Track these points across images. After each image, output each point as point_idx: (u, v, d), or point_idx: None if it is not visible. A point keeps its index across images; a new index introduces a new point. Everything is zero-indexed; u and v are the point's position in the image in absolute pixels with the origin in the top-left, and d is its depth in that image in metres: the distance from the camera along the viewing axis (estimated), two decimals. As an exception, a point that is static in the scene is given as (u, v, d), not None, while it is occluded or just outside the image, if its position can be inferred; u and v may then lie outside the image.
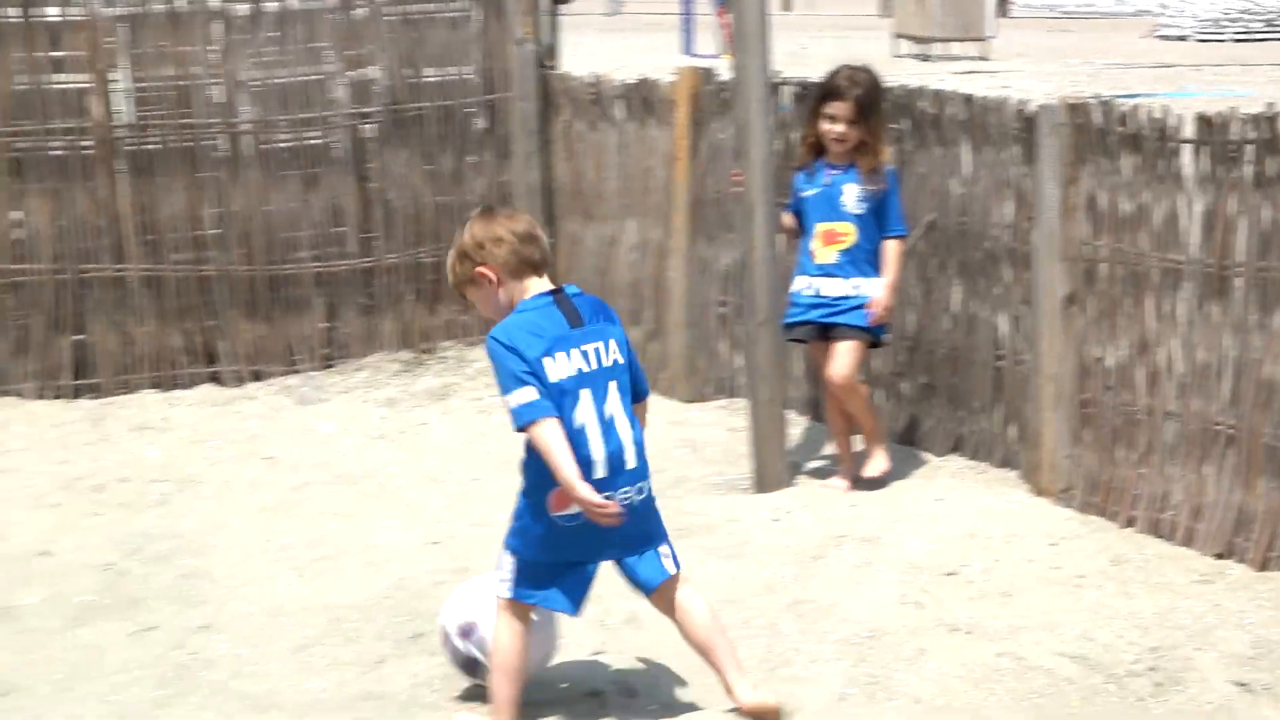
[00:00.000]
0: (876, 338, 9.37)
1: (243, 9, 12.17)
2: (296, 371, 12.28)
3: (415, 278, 12.63)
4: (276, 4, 12.24)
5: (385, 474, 9.98)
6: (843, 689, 6.79)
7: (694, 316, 11.36)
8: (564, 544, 6.39)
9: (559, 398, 6.20)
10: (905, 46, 49.99)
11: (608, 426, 6.29)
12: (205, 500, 9.58)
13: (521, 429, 6.21)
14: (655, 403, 10.97)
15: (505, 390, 6.24)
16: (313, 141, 12.40)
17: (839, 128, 9.23)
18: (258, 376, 12.21)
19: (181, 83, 12.07)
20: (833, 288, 9.28)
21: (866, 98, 9.21)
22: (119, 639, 7.63)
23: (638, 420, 6.48)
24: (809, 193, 9.42)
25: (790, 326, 9.44)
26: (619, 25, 56.53)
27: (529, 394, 6.16)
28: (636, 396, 6.52)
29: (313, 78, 12.39)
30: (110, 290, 11.97)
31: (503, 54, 12.66)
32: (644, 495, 6.45)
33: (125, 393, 11.89)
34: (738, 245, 10.18)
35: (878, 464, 9.41)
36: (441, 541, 8.72)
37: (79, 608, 8.01)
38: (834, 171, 9.30)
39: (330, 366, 12.36)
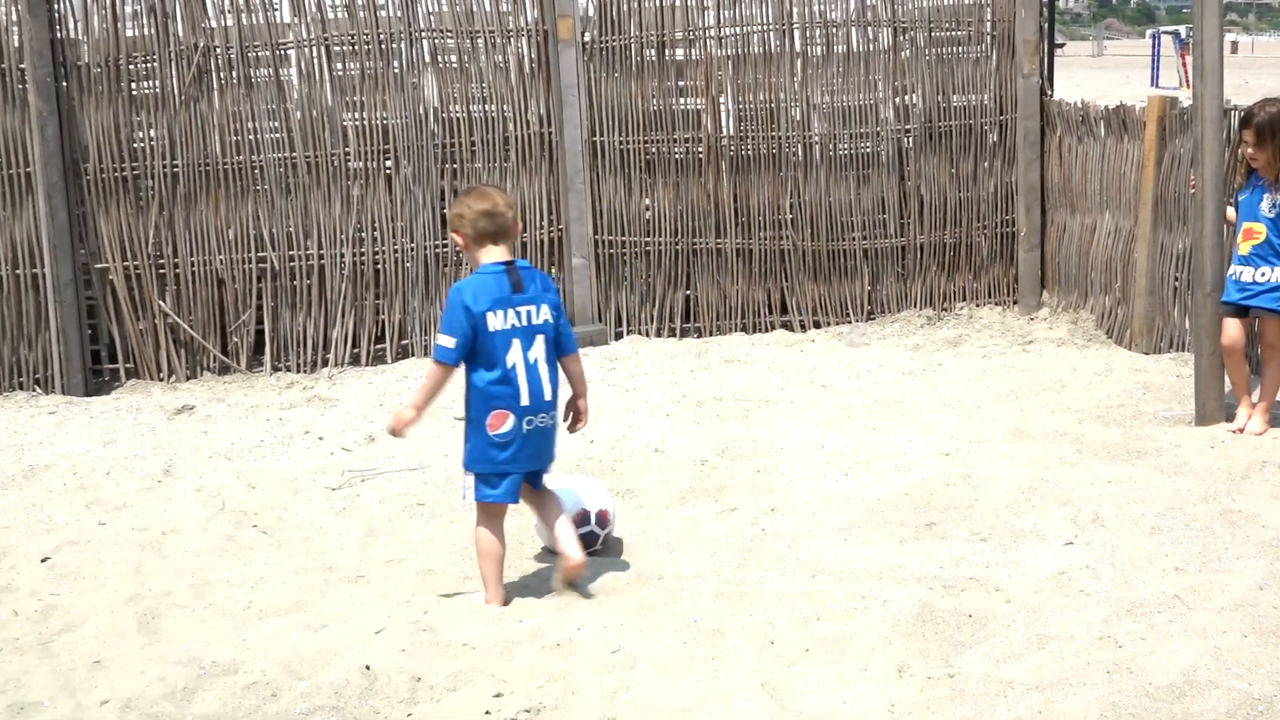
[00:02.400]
0: None
1: (818, 50, 12.20)
2: (847, 322, 12.31)
3: (939, 253, 12.53)
4: (843, 47, 12.24)
5: (910, 400, 9.86)
6: (1262, 580, 6.48)
7: (1154, 287, 11.02)
8: (498, 455, 6.46)
9: (495, 342, 6.40)
10: (1330, 82, 47.69)
11: (531, 368, 6.46)
12: (776, 416, 9.58)
13: (434, 360, 6.46)
14: (1120, 354, 10.82)
15: (440, 329, 6.45)
16: (866, 150, 12.36)
17: (1249, 150, 8.87)
18: (818, 325, 12.27)
19: (770, 105, 12.15)
20: (1246, 275, 8.91)
21: (1267, 125, 8.80)
22: (710, 515, 7.70)
23: (558, 367, 6.62)
24: (1240, 198, 9.07)
25: (1222, 303, 9.11)
26: (1101, 64, 55.31)
27: (448, 341, 6.39)
28: (563, 351, 6.63)
29: (868, 102, 12.34)
30: (712, 258, 12.13)
31: (1012, 84, 12.48)
32: (552, 422, 6.62)
33: (720, 334, 12.07)
34: (1190, 233, 9.84)
35: (1256, 424, 8.96)
36: (951, 453, 8.58)
37: (682, 491, 8.10)
38: (1257, 183, 8.93)
39: (871, 319, 12.36)
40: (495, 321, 6.41)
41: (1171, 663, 5.69)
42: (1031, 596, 6.41)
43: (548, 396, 6.53)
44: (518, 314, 6.46)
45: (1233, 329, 8.98)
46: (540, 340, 6.51)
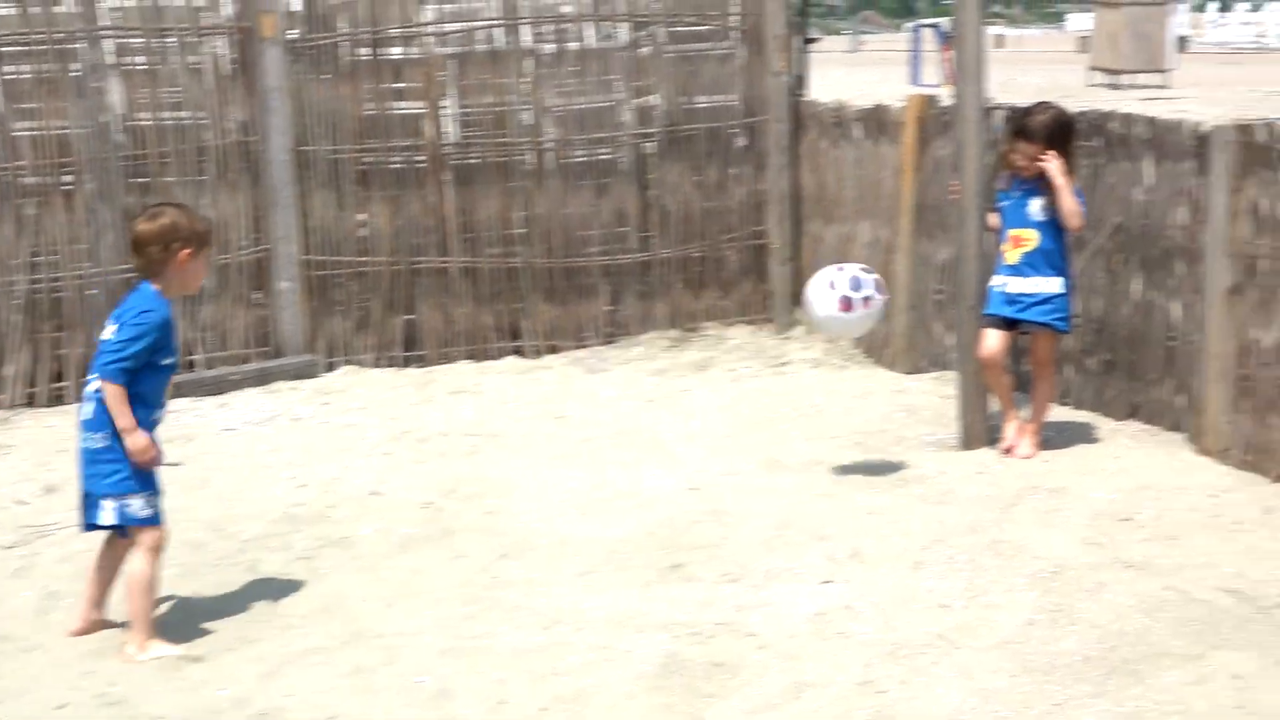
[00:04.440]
0: (1060, 330, 9.20)
1: (549, 48, 12.23)
2: (585, 346, 12.33)
3: (684, 269, 12.64)
4: (577, 44, 12.29)
5: (655, 430, 9.94)
6: (1032, 615, 6.66)
7: (915, 301, 11.27)
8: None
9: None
10: (1098, 77, 49.23)
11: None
12: (508, 451, 9.59)
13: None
14: (881, 374, 11.03)
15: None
16: (603, 157, 12.43)
17: (1024, 160, 9.11)
18: (553, 350, 12.26)
19: (498, 108, 12.13)
20: (1014, 285, 9.14)
21: (1049, 135, 9.05)
22: (435, 563, 7.66)
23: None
24: (1004, 204, 9.30)
25: (985, 315, 9.32)
26: (859, 60, 56.28)
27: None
28: None
29: (605, 104, 12.41)
30: (436, 278, 12.06)
31: (761, 84, 12.64)
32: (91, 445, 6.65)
33: (446, 362, 11.99)
34: (952, 243, 10.08)
35: (1024, 447, 9.20)
36: (699, 488, 8.67)
37: (404, 538, 8.05)
38: (1024, 188, 9.16)
39: (612, 342, 12.40)
40: None
41: (937, 707, 5.81)
42: (787, 641, 6.49)
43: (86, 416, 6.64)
44: None
45: (994, 341, 9.19)
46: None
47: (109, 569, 6.84)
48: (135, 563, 6.66)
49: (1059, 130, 9.09)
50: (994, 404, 9.40)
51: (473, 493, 8.74)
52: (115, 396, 6.47)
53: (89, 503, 6.67)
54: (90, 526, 6.73)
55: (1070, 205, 8.96)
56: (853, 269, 8.78)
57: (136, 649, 6.57)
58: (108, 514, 6.61)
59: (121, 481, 6.57)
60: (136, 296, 6.61)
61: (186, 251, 6.60)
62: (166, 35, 11.38)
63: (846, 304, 8.56)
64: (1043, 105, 9.33)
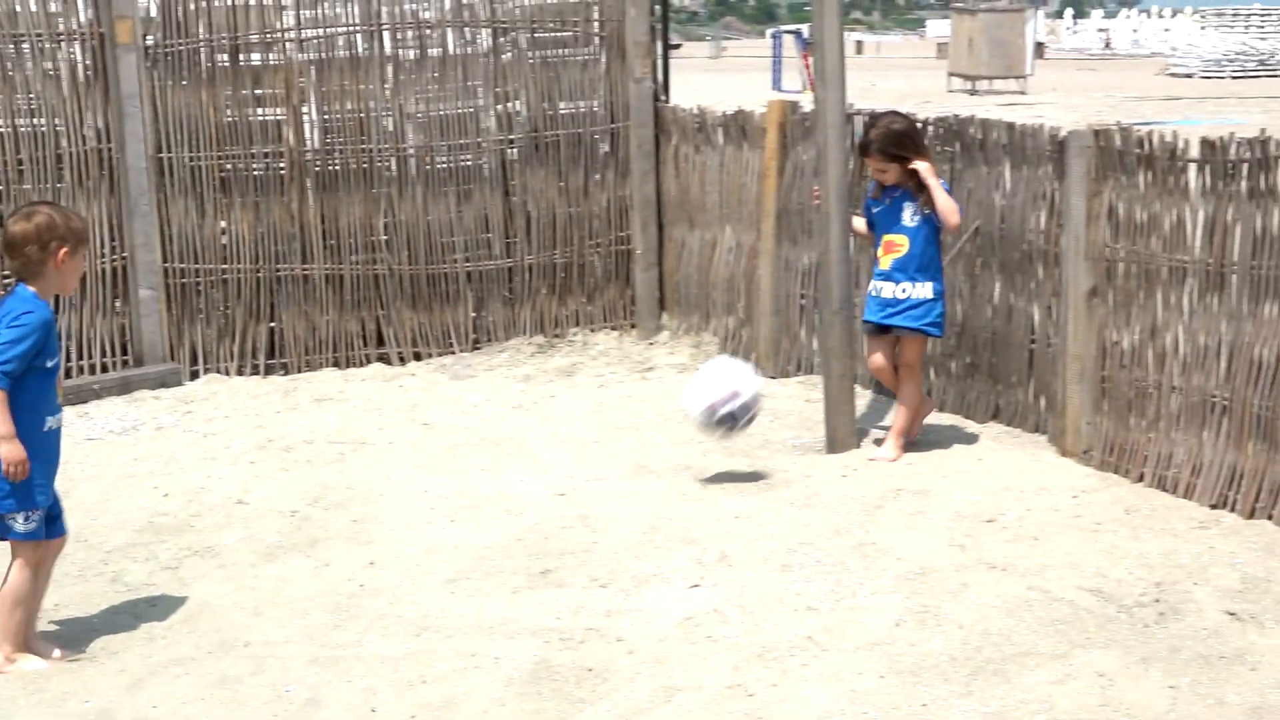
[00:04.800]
0: (930, 335, 9.29)
1: (411, 54, 12.18)
2: (450, 353, 12.30)
3: (549, 275, 12.63)
4: (438, 50, 12.26)
5: (522, 437, 9.93)
6: (899, 616, 6.73)
7: (779, 306, 11.33)
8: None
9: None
10: (957, 83, 49.80)
11: None
12: (374, 458, 9.55)
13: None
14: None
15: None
16: (466, 163, 12.38)
17: (876, 175, 9.23)
18: (418, 357, 12.22)
19: (359, 115, 12.07)
20: (887, 291, 9.22)
21: (886, 147, 9.12)
22: (302, 572, 7.62)
23: None
24: (875, 209, 9.37)
25: (864, 322, 9.42)
26: (721, 66, 56.62)
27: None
28: None
29: (467, 110, 12.37)
30: (299, 286, 11.98)
31: (624, 90, 12.65)
32: None
33: (310, 370, 11.93)
34: (816, 248, 10.16)
35: (888, 450, 9.29)
36: (567, 493, 8.68)
37: (270, 547, 8.00)
38: (894, 194, 9.24)
39: (478, 349, 12.38)
40: None
41: (806, 709, 5.86)
42: (656, 645, 6.52)
43: None
44: None
45: (876, 350, 9.29)
46: None
47: None
48: (11, 576, 6.53)
49: (894, 140, 9.16)
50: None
51: (339, 501, 8.70)
52: None
53: None
54: None
55: (945, 203, 9.04)
56: (733, 407, 8.87)
57: (3, 662, 6.48)
58: None
59: (3, 498, 6.42)
60: (13, 300, 6.45)
61: (64, 250, 6.46)
62: (20, 40, 11.24)
63: (726, 421, 8.70)
64: (876, 119, 9.39)
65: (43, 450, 6.46)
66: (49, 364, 6.44)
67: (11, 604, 6.50)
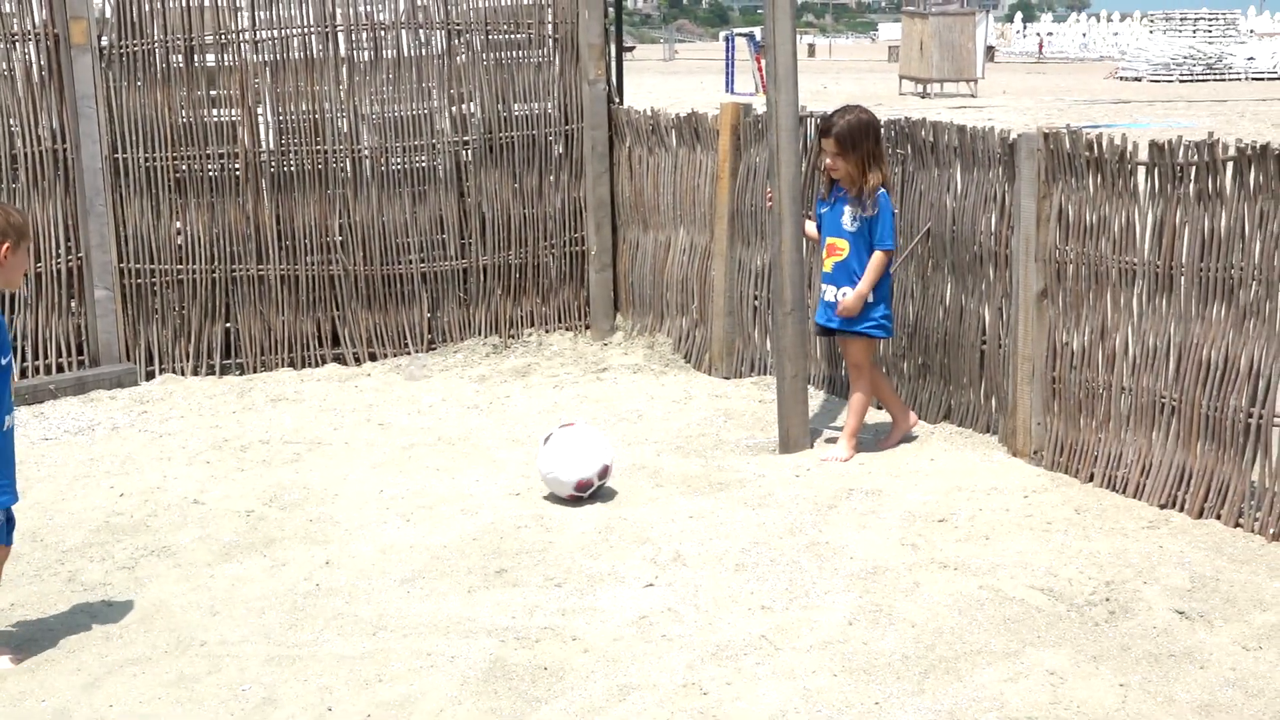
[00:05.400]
0: (872, 336, 9.32)
1: (365, 56, 12.17)
2: (406, 353, 12.30)
3: (504, 276, 12.63)
4: (392, 52, 12.24)
5: (477, 437, 9.93)
6: (852, 615, 6.75)
7: (732, 307, 11.36)
8: None
9: None
10: (908, 86, 49.91)
11: None
12: (329, 459, 9.54)
13: None
14: (700, 379, 11.12)
15: None
16: (421, 164, 12.38)
17: (828, 160, 9.22)
18: (373, 357, 12.21)
19: (314, 116, 12.05)
20: (830, 294, 9.28)
21: (848, 133, 9.15)
22: (258, 572, 7.61)
23: None
24: (822, 211, 9.42)
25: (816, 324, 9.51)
26: (674, 68, 56.65)
27: None
28: None
29: (422, 112, 12.36)
30: (254, 286, 11.96)
31: (578, 92, 12.65)
32: None
33: (266, 370, 11.92)
34: (769, 249, 10.18)
35: (840, 449, 9.32)
36: (521, 493, 8.69)
37: (226, 546, 7.98)
38: (838, 195, 9.28)
39: (433, 349, 12.38)
40: None
41: (760, 707, 5.88)
42: (611, 644, 6.53)
43: None
44: None
45: (833, 351, 9.34)
46: None
47: None
48: None
49: (860, 130, 9.19)
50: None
51: (295, 500, 8.69)
52: None
53: None
54: None
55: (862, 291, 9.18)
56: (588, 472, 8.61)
57: None
58: None
59: None
60: None
61: (6, 245, 6.39)
62: (-24, 41, 11.20)
63: (592, 491, 8.59)
64: (847, 108, 9.42)
65: (1, 451, 6.41)
66: (1, 361, 6.38)
67: None
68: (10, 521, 6.53)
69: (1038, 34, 78.78)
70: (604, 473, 8.53)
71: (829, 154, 9.22)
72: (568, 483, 8.43)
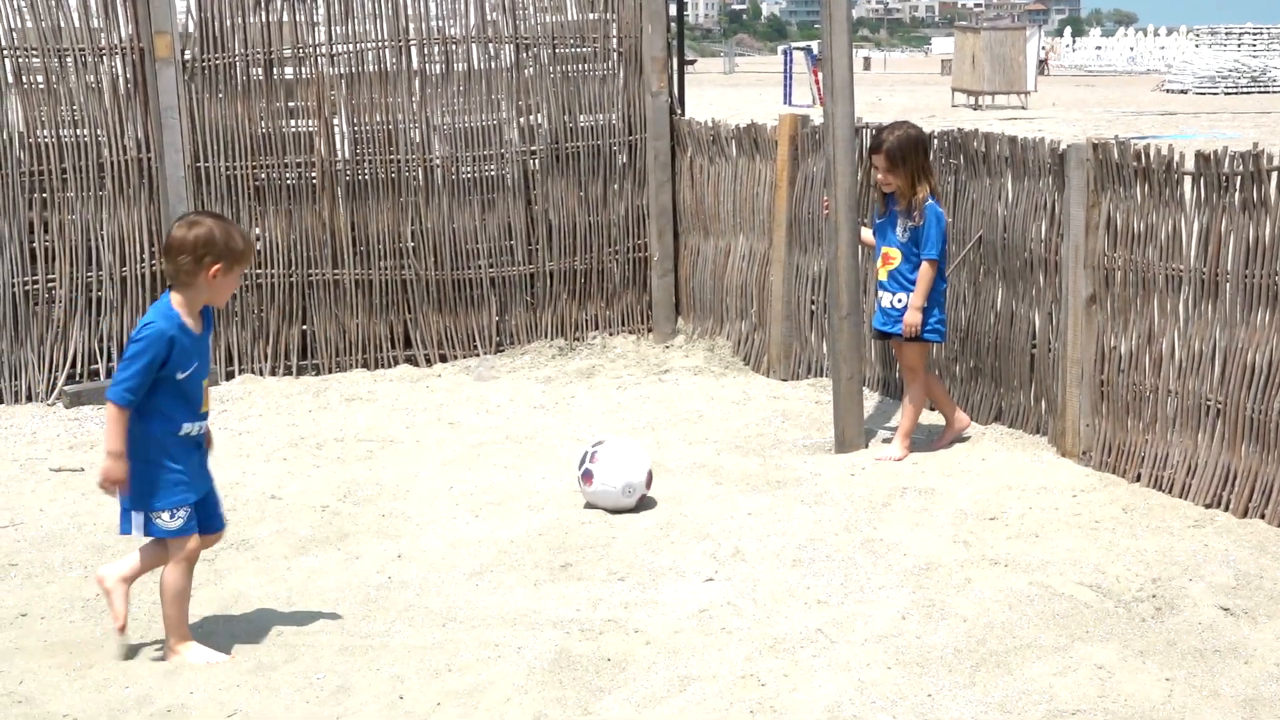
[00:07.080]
0: (926, 340, 9.30)
1: (437, 69, 12.20)
2: (475, 355, 12.32)
3: (569, 281, 12.65)
4: (463, 65, 12.27)
5: (543, 436, 9.94)
6: (905, 610, 6.72)
7: (790, 311, 11.34)
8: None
9: None
10: (960, 98, 49.72)
11: None
12: (401, 456, 9.57)
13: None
14: (758, 381, 11.10)
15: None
16: (490, 173, 12.40)
17: (880, 175, 9.20)
18: (444, 359, 12.25)
19: (388, 126, 12.09)
20: (885, 300, 9.27)
21: (898, 149, 9.14)
22: (332, 565, 7.63)
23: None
24: (878, 222, 9.41)
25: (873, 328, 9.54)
26: (734, 81, 56.61)
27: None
28: None
29: (491, 122, 12.39)
30: (329, 290, 12.01)
31: (641, 103, 12.67)
32: None
33: (340, 371, 11.96)
34: (825, 255, 10.16)
35: (894, 449, 9.30)
36: (587, 490, 8.70)
37: (302, 540, 8.01)
38: (892, 208, 9.27)
39: (501, 351, 12.40)
40: None
41: (815, 699, 5.85)
42: (672, 637, 6.52)
43: None
44: None
45: (893, 353, 9.32)
46: None
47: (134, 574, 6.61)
48: (166, 573, 6.47)
49: (909, 145, 9.18)
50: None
51: (368, 496, 8.71)
52: (110, 417, 6.22)
53: (122, 511, 6.46)
54: (124, 532, 6.52)
55: (924, 278, 9.15)
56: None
57: (172, 653, 6.47)
58: (135, 525, 6.43)
59: (144, 497, 6.35)
60: (155, 305, 6.37)
61: (218, 267, 6.27)
62: (65, 54, 11.26)
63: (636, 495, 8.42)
64: (895, 125, 9.40)
65: (180, 454, 6.37)
66: (179, 376, 6.25)
67: (170, 599, 6.44)
68: (192, 516, 6.49)
69: (1042, 48, 78.24)
70: (648, 480, 8.47)
71: (880, 169, 9.20)
72: (639, 483, 8.35)
